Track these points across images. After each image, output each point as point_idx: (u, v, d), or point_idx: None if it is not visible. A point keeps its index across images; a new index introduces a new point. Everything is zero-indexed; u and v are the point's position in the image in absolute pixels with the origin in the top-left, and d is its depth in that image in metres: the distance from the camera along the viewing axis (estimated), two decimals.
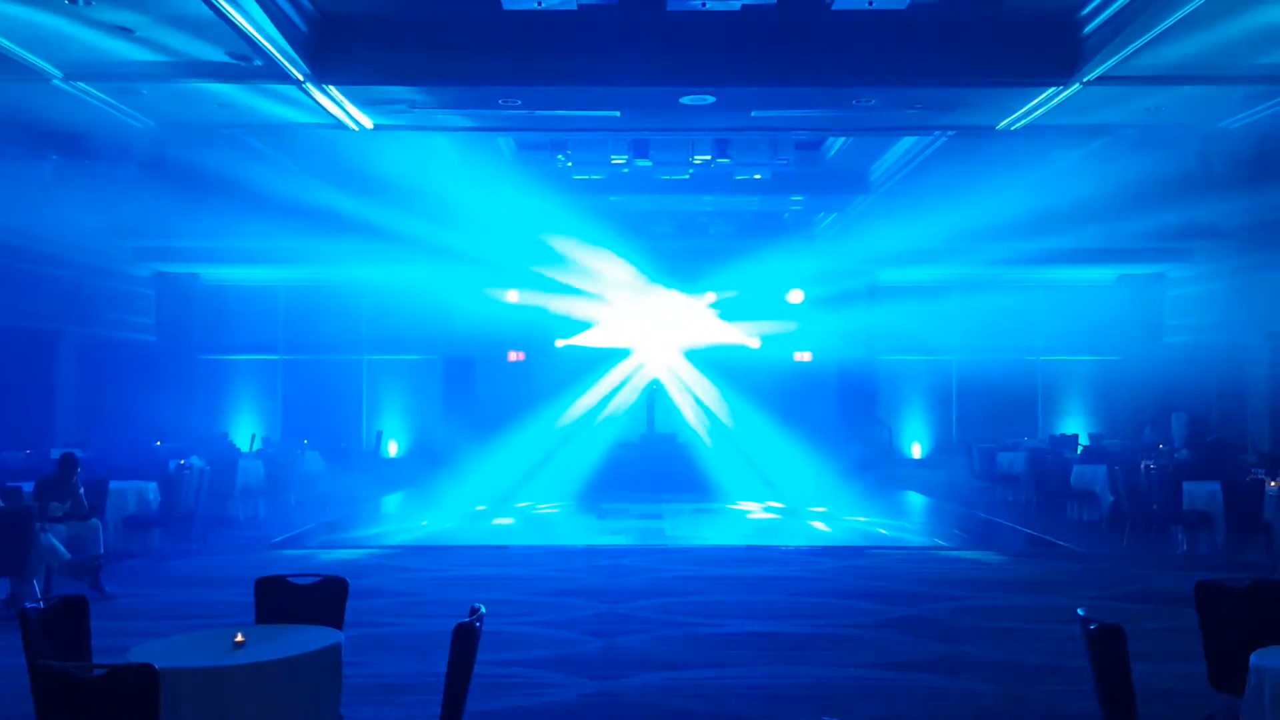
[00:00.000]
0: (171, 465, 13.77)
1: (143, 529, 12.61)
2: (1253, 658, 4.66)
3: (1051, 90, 11.28)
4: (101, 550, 10.61)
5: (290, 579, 5.73)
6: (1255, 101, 11.77)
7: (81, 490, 10.83)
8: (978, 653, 8.09)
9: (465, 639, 4.74)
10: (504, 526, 15.68)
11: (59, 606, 5.12)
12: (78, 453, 11.87)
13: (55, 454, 12.82)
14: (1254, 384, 19.14)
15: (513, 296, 21.75)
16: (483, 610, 4.95)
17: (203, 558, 12.37)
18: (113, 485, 12.12)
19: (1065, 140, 14.31)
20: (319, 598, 5.65)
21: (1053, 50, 10.69)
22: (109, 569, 10.71)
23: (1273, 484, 11.32)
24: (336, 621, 5.54)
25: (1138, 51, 9.91)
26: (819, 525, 15.92)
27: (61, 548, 10.11)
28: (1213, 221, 17.52)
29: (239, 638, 4.80)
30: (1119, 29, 9.76)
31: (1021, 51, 10.76)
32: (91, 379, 19.57)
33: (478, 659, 5.06)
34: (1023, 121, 12.45)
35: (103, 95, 11.84)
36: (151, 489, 12.75)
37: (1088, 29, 10.34)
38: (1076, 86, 11.02)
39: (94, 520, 10.76)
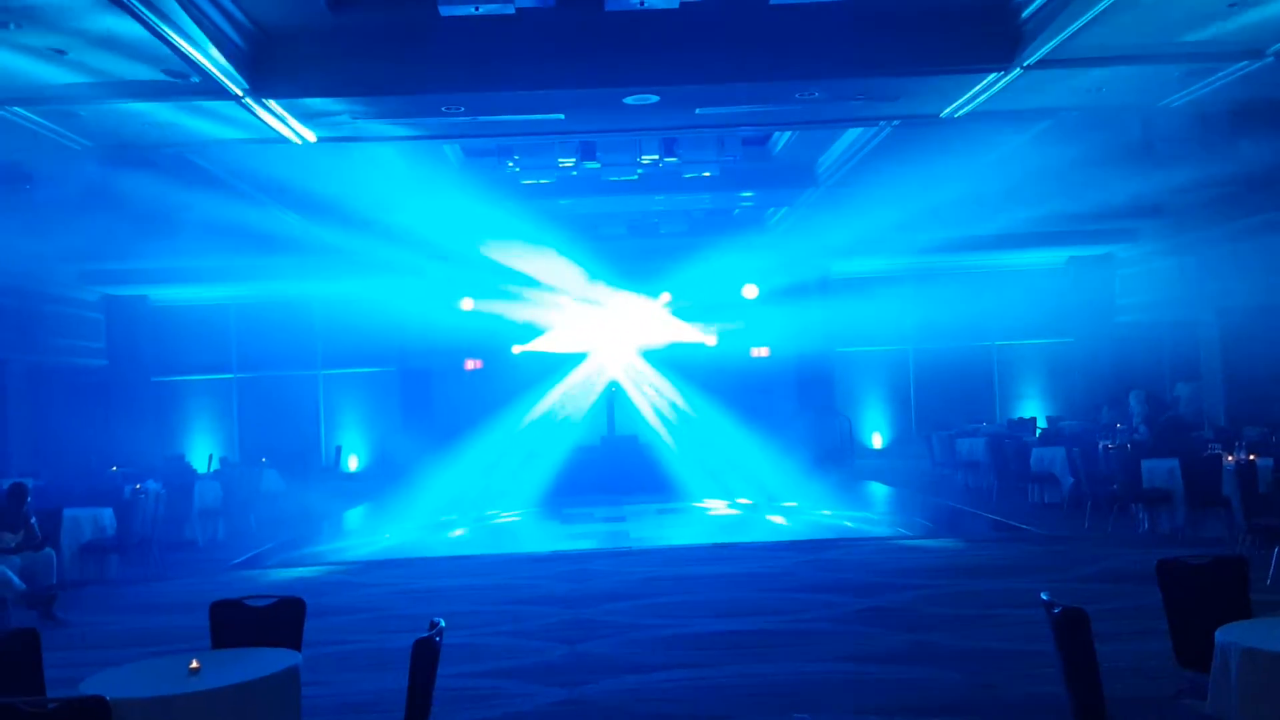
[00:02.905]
0: (127, 490, 13.57)
1: (99, 556, 12.44)
2: (1218, 634, 4.66)
3: (992, 76, 11.30)
4: (55, 580, 10.44)
5: (246, 601, 5.62)
6: (1194, 79, 11.84)
7: (34, 520, 10.66)
8: (945, 641, 8.10)
9: (425, 654, 4.68)
10: (466, 536, 15.57)
11: (8, 641, 5.01)
12: (28, 482, 11.69)
13: (5, 484, 12.59)
14: (1207, 359, 19.34)
15: (468, 304, 21.65)
16: (442, 624, 4.89)
17: (160, 583, 12.20)
18: (68, 513, 11.97)
19: (1009, 125, 14.35)
20: (276, 619, 5.55)
21: (992, 36, 10.69)
22: (66, 597, 10.56)
23: (1230, 459, 11.42)
24: (295, 642, 5.44)
25: (1076, 33, 9.93)
26: (782, 520, 15.94)
27: (16, 579, 9.95)
28: (1158, 200, 17.67)
29: (194, 664, 4.70)
30: (1056, 12, 9.78)
31: (961, 38, 10.76)
32: (42, 406, 19.28)
33: (442, 672, 5.00)
34: (966, 108, 12.48)
35: (38, 119, 11.61)
36: (107, 515, 12.58)
37: (1025, 13, 10.35)
38: (1017, 71, 11.04)
39: (48, 550, 10.59)
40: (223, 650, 5.33)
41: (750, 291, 22.15)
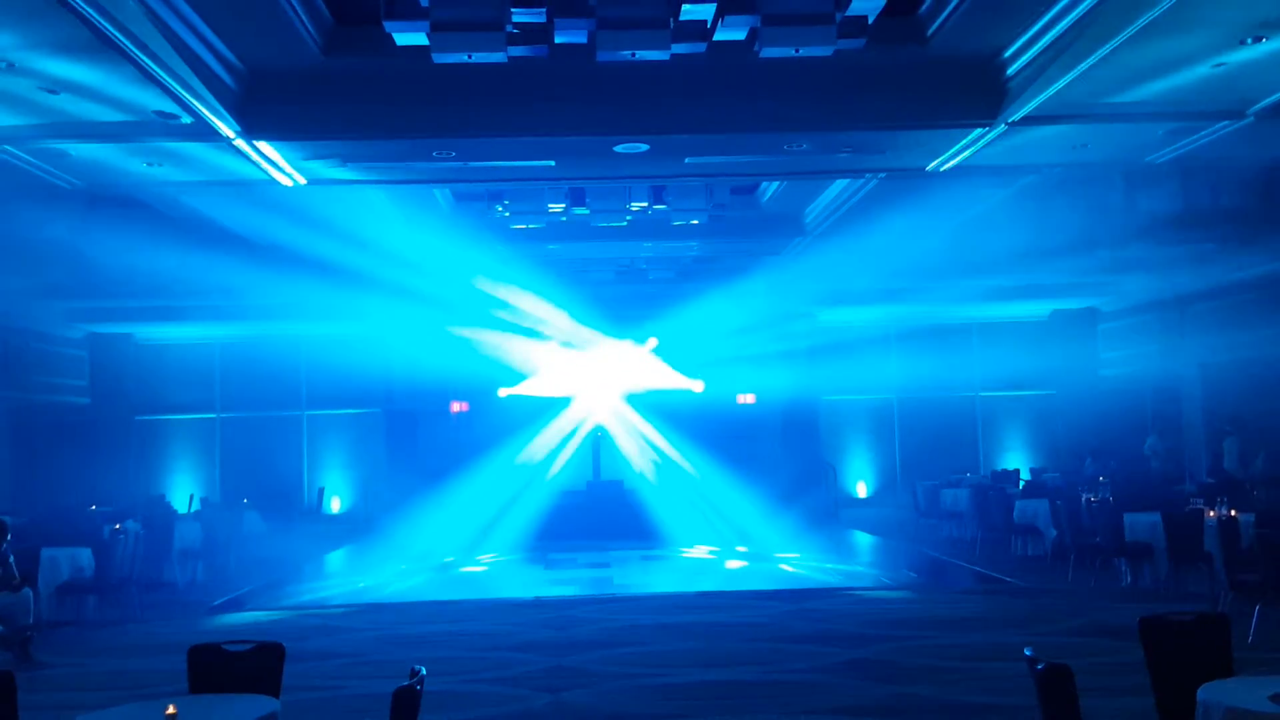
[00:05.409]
0: (106, 530, 13.46)
1: (77, 596, 12.31)
2: (1200, 692, 4.66)
3: (978, 131, 11.43)
4: (31, 620, 10.33)
5: (224, 646, 5.58)
6: (1177, 137, 12.00)
7: (12, 559, 10.55)
8: (927, 693, 8.07)
9: (405, 703, 4.64)
10: (450, 581, 15.48)
11: None
12: (8, 520, 11.59)
13: None
14: (1189, 414, 19.41)
15: (454, 347, 21.60)
16: (423, 672, 4.85)
17: (138, 625, 12.07)
18: (46, 552, 11.84)
19: (994, 179, 14.49)
20: (254, 664, 5.51)
21: (977, 92, 10.84)
22: (42, 638, 10.46)
23: (1211, 514, 11.42)
24: (273, 689, 5.40)
25: (1060, 91, 10.09)
26: (767, 568, 15.89)
27: None
28: (1141, 255, 17.81)
29: (171, 710, 4.65)
30: (1041, 69, 9.92)
31: (947, 94, 10.90)
32: (24, 444, 19.15)
33: None
34: (951, 162, 12.61)
35: (29, 157, 11.66)
36: (85, 555, 12.44)
37: (1011, 70, 10.50)
38: (1002, 127, 11.18)
39: (25, 590, 10.48)
40: (200, 696, 5.29)
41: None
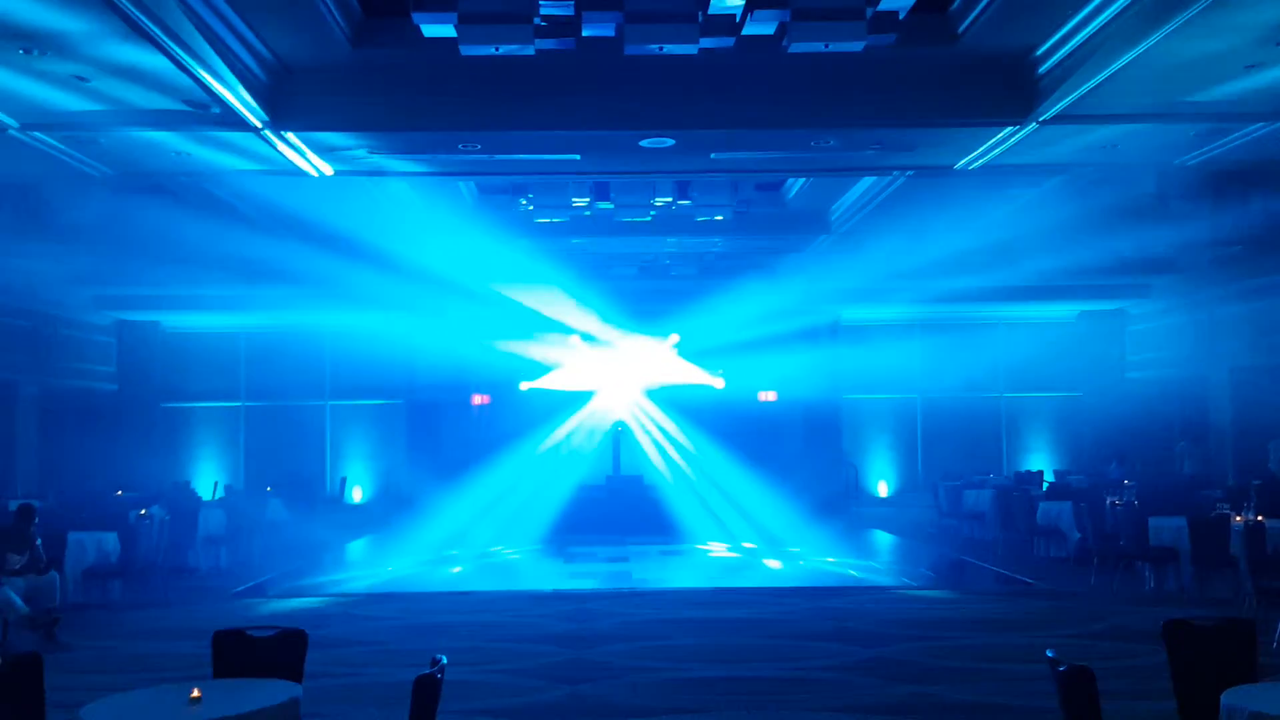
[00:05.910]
0: (132, 515, 13.56)
1: (103, 580, 12.43)
2: (1224, 697, 4.64)
3: (1008, 129, 11.35)
4: (58, 603, 10.44)
5: (248, 632, 5.62)
6: (1210, 139, 11.88)
7: (39, 542, 10.66)
8: (947, 694, 8.05)
9: (426, 691, 4.66)
10: (469, 572, 15.53)
11: (11, 665, 5.00)
12: (36, 503, 11.69)
13: (13, 505, 12.59)
14: (1217, 418, 19.27)
15: (476, 340, 21.64)
16: (444, 661, 4.87)
17: (163, 609, 12.17)
18: (72, 536, 11.98)
19: (1023, 178, 14.40)
20: (277, 650, 5.55)
21: (1009, 90, 10.76)
22: (69, 620, 10.55)
23: (1238, 519, 11.35)
24: (296, 674, 5.44)
25: (1092, 90, 10.00)
26: (786, 566, 15.86)
27: (19, 601, 9.97)
28: (1171, 257, 17.68)
29: (195, 693, 4.70)
30: (1073, 68, 9.85)
31: (978, 91, 10.82)
32: (51, 429, 19.30)
33: (441, 709, 4.97)
34: (980, 161, 12.53)
35: (60, 145, 11.71)
36: (111, 539, 12.57)
37: (1043, 68, 10.43)
38: (1033, 125, 11.10)
39: (52, 573, 10.60)
40: (224, 680, 5.33)
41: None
